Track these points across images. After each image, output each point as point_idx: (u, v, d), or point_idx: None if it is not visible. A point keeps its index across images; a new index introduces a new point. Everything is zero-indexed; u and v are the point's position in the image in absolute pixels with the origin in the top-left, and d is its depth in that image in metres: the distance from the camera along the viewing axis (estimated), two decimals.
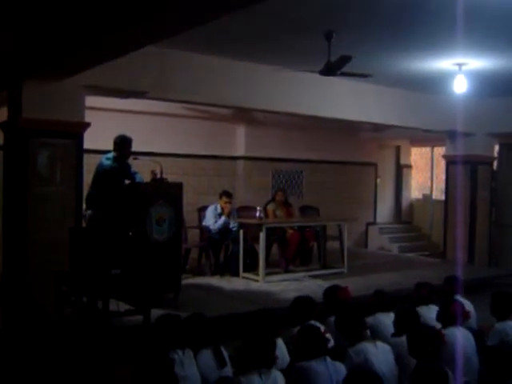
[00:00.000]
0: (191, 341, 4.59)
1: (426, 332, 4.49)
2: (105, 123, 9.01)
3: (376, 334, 5.20)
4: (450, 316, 5.22)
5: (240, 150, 12.58)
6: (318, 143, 13.45)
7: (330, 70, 7.33)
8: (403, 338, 4.65)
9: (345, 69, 7.35)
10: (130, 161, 7.84)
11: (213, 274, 9.66)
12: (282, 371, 4.18)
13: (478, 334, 5.63)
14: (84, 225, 7.56)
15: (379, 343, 4.73)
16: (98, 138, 8.17)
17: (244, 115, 11.88)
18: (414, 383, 3.65)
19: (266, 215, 10.31)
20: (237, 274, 9.48)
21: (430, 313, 5.74)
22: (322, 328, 4.60)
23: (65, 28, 5.37)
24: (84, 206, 7.57)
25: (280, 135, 12.80)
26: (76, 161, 7.40)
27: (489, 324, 5.78)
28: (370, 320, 5.54)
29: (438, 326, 5.25)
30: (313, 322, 5.12)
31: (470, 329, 5.57)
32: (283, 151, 12.96)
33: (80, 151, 7.47)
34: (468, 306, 6.12)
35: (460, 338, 5.06)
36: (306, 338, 4.38)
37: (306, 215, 11.72)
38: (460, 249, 12.15)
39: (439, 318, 5.36)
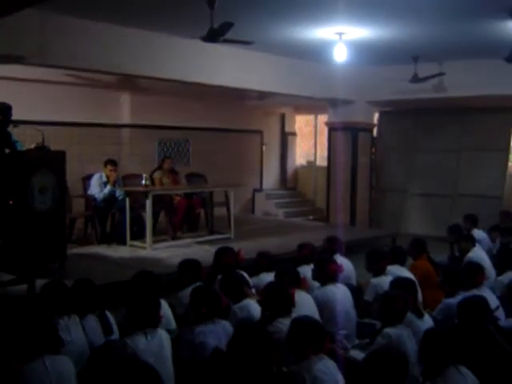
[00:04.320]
0: (77, 307, 4.60)
1: (278, 291, 4.68)
2: None
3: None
4: (327, 274, 5.47)
5: (125, 118, 12.44)
6: (204, 111, 13.49)
7: (213, 36, 7.36)
8: None
9: (228, 35, 7.40)
10: (10, 129, 7.59)
11: (99, 243, 9.56)
12: (172, 339, 4.26)
13: (357, 290, 5.97)
14: None
15: None
16: None
17: (128, 82, 11.70)
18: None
19: (153, 183, 10.28)
20: (124, 243, 9.39)
21: (311, 271, 5.98)
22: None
23: None
24: None
25: (166, 103, 12.74)
26: None
27: (367, 281, 6.12)
28: (254, 280, 5.75)
29: (316, 284, 5.54)
30: (199, 283, 5.25)
31: (348, 285, 5.88)
32: (169, 119, 12.91)
33: None
34: (346, 263, 6.44)
35: (338, 294, 5.35)
36: (199, 300, 4.46)
37: (192, 182, 11.74)
38: (341, 212, 12.64)
39: (316, 276, 5.61)
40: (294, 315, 4.30)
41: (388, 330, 4.29)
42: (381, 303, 4.53)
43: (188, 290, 4.90)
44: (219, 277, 5.48)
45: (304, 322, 3.91)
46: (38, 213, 7.18)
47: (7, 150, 7.45)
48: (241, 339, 3.60)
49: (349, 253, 7.28)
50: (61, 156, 7.55)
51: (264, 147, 15.84)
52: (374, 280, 5.83)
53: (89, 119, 11.63)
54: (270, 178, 16.21)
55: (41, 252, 7.02)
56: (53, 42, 7.83)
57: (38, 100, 10.64)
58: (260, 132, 15.65)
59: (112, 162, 9.87)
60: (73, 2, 6.65)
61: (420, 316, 4.69)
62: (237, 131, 14.62)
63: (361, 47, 9.60)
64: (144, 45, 8.79)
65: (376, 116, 14.32)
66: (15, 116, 7.53)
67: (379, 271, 5.91)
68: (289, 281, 5.10)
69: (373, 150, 13.90)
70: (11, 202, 6.48)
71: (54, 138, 8.88)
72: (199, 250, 9.18)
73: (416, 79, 10.53)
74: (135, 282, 5.07)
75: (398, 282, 5.11)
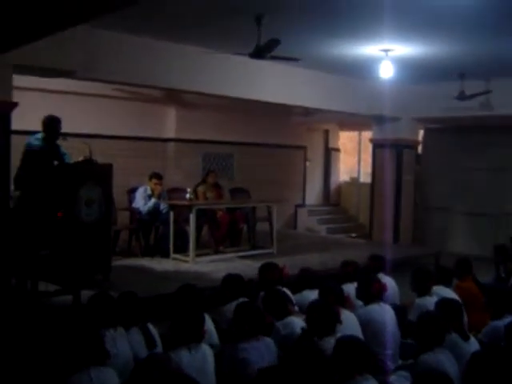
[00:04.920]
0: (123, 319, 4.64)
1: (322, 310, 4.64)
2: (34, 104, 8.87)
3: (303, 311, 5.37)
4: (371, 293, 5.41)
5: (170, 132, 12.58)
6: (249, 126, 13.57)
7: (260, 53, 7.41)
8: None
9: (275, 52, 7.44)
10: (60, 142, 7.74)
11: (143, 255, 9.64)
12: (215, 354, 4.27)
13: (401, 310, 5.89)
14: (12, 206, 7.44)
15: None
16: (27, 118, 8.03)
17: (174, 97, 11.87)
18: None
19: (197, 197, 10.33)
20: (167, 256, 9.47)
21: (355, 290, 5.94)
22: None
23: None
24: (12, 186, 7.44)
25: (211, 118, 12.84)
26: (3, 141, 7.25)
27: (411, 300, 6.04)
28: (297, 297, 5.73)
29: (360, 303, 5.47)
30: (243, 299, 5.25)
31: (393, 305, 5.81)
32: (214, 134, 12.99)
33: (7, 131, 7.30)
34: (390, 282, 6.36)
35: (382, 313, 5.28)
36: (243, 316, 4.46)
37: (236, 197, 11.79)
38: (385, 230, 12.53)
39: (359, 295, 5.55)
40: (338, 334, 4.27)
41: (425, 357, 4.15)
42: (417, 325, 4.43)
43: (231, 305, 4.92)
44: (262, 293, 5.47)
45: (350, 341, 3.88)
46: (84, 224, 7.28)
47: (56, 162, 7.60)
48: (297, 356, 3.58)
49: (392, 271, 7.19)
50: (108, 169, 7.66)
51: (307, 163, 15.83)
52: (419, 300, 5.74)
53: (135, 133, 11.79)
54: (313, 193, 16.19)
55: (86, 263, 7.11)
56: (102, 56, 7.99)
57: (86, 113, 10.83)
58: (304, 148, 15.65)
59: (157, 176, 9.98)
60: (123, 18, 6.76)
61: (466, 339, 4.61)
62: (281, 146, 14.63)
63: (407, 64, 9.56)
64: (192, 60, 8.89)
65: (421, 133, 14.21)
66: (64, 129, 7.67)
67: (424, 291, 5.81)
68: (333, 299, 5.06)
69: (417, 167, 13.78)
70: (60, 215, 6.57)
71: (100, 150, 9.03)
72: (241, 264, 9.18)
73: (462, 96, 10.42)
74: (179, 296, 5.10)
75: (444, 303, 5.02)
